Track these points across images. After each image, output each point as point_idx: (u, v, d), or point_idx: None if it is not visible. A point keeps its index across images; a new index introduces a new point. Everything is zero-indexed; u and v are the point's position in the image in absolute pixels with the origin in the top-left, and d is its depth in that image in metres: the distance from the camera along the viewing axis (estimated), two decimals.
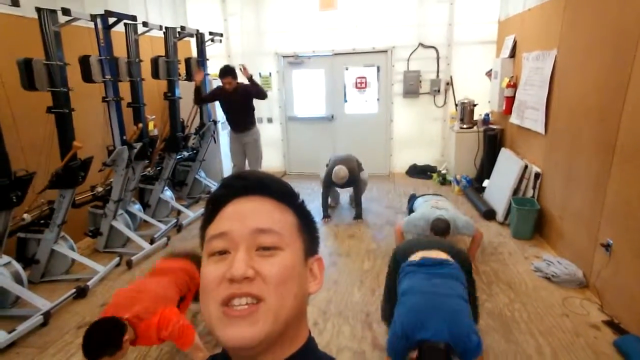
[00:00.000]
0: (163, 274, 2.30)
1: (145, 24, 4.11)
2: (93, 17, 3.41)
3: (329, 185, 4.50)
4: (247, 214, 0.54)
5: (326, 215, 4.62)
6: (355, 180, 4.50)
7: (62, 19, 3.10)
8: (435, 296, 2.00)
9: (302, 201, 0.61)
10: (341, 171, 4.32)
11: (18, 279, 2.98)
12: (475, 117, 5.54)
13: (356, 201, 4.62)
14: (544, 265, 3.26)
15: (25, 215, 3.24)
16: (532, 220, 3.82)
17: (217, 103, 5.10)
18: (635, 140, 2.46)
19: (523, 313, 2.77)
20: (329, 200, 4.82)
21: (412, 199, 4.11)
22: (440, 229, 3.07)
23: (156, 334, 1.90)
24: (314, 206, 4.73)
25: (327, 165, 4.66)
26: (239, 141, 4.96)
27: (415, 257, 2.28)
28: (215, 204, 0.57)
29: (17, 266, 3.03)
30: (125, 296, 2.05)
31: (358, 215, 4.58)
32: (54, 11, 3.01)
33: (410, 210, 3.87)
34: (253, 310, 0.49)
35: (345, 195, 5.16)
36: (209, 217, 0.57)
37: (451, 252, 2.33)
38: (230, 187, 0.58)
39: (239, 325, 0.49)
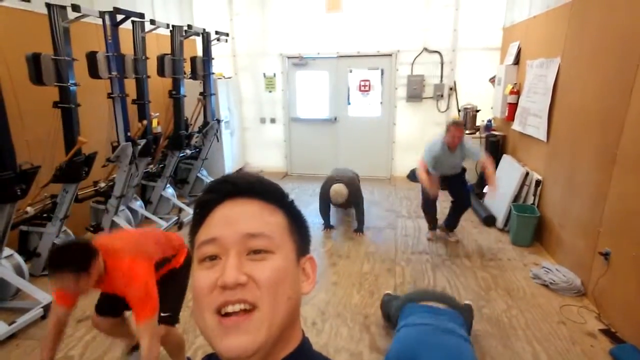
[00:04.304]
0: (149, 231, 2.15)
1: (152, 21, 4.14)
2: (102, 14, 3.44)
3: (327, 200, 4.12)
4: (237, 218, 0.53)
5: (328, 225, 4.37)
6: (357, 201, 4.17)
7: (72, 15, 3.13)
8: (437, 330, 1.97)
9: (292, 201, 0.60)
10: (340, 190, 3.94)
11: (19, 272, 3.01)
12: (478, 123, 5.57)
13: (358, 219, 4.28)
14: (543, 272, 3.27)
15: (28, 209, 3.27)
16: (532, 228, 3.83)
17: None
18: (636, 150, 2.48)
19: (520, 319, 2.78)
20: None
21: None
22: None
23: (122, 282, 1.75)
24: (314, 208, 4.71)
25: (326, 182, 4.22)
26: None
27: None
28: (204, 208, 0.56)
29: (19, 259, 3.05)
30: (105, 238, 1.96)
31: (359, 229, 4.26)
32: (63, 7, 3.05)
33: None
34: (247, 317, 0.49)
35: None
36: (197, 222, 0.56)
37: (456, 307, 2.33)
38: (218, 191, 0.56)
39: (236, 335, 0.49)
